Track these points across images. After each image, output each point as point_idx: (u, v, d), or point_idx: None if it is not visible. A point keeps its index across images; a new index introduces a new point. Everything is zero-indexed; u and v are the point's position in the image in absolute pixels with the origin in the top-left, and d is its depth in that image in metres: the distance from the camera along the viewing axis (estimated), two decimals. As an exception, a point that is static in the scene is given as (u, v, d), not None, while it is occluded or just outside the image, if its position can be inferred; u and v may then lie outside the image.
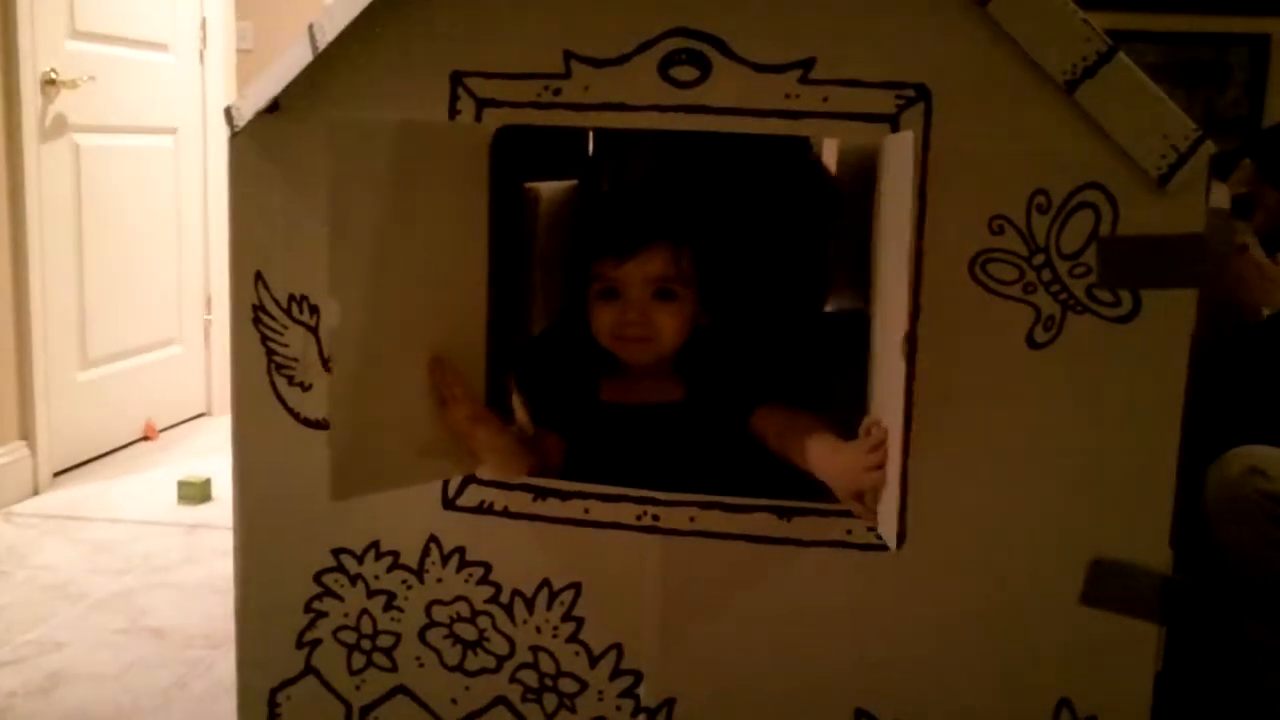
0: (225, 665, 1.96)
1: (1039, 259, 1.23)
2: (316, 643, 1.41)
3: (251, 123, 1.33)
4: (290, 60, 1.30)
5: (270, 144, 1.34)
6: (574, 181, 1.99)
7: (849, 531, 1.28)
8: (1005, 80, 1.21)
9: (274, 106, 1.32)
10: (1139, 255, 1.22)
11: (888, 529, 1.15)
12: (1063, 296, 1.23)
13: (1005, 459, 1.26)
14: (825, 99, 1.24)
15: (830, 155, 2.06)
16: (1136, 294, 1.22)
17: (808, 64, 1.23)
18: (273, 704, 1.43)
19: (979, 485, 1.26)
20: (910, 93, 1.23)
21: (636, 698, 1.35)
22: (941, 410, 1.25)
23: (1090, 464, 1.25)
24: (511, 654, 1.36)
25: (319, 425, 1.35)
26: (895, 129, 1.23)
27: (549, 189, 1.78)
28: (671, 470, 1.37)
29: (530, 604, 1.35)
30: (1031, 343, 1.24)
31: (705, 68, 1.25)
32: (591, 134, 2.01)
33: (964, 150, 1.23)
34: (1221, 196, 1.74)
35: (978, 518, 1.27)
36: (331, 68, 1.30)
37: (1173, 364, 1.23)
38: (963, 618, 1.29)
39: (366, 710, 1.41)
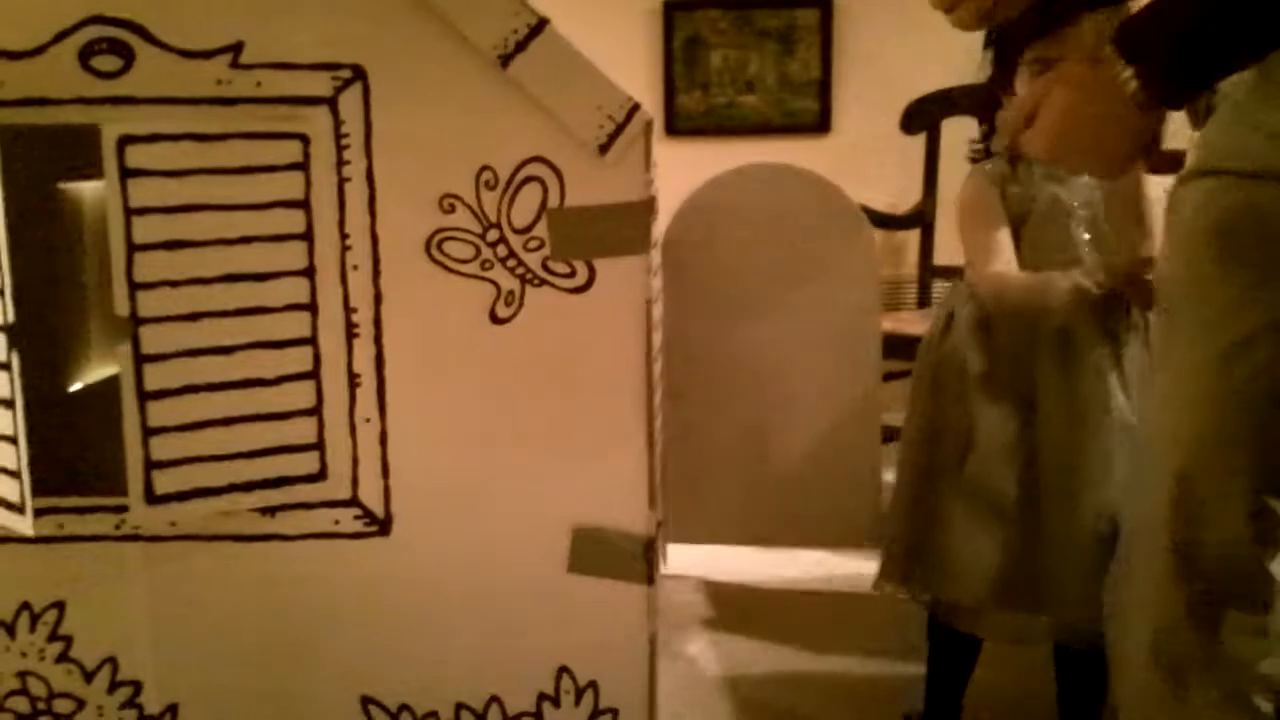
0: None
1: (493, 235, 1.22)
2: None
3: None
4: None
5: None
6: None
7: (336, 522, 1.27)
8: (441, 58, 1.20)
9: None
10: (587, 225, 1.23)
11: (373, 515, 1.14)
12: (520, 271, 1.23)
13: (481, 436, 1.26)
14: (259, 84, 1.20)
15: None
16: (590, 264, 1.23)
17: (236, 48, 1.19)
18: None
19: (458, 464, 1.26)
20: (347, 74, 1.20)
21: (140, 707, 1.30)
22: (412, 395, 1.24)
23: (563, 434, 1.26)
24: (-3, 683, 1.31)
25: None
26: (335, 112, 1.20)
27: (93, 189, 1.69)
28: None
29: (11, 629, 1.29)
30: (494, 319, 1.24)
31: (128, 56, 1.19)
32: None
33: (407, 130, 1.21)
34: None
35: (461, 496, 1.27)
36: None
37: (631, 330, 1.24)
38: (456, 596, 1.28)
39: None
